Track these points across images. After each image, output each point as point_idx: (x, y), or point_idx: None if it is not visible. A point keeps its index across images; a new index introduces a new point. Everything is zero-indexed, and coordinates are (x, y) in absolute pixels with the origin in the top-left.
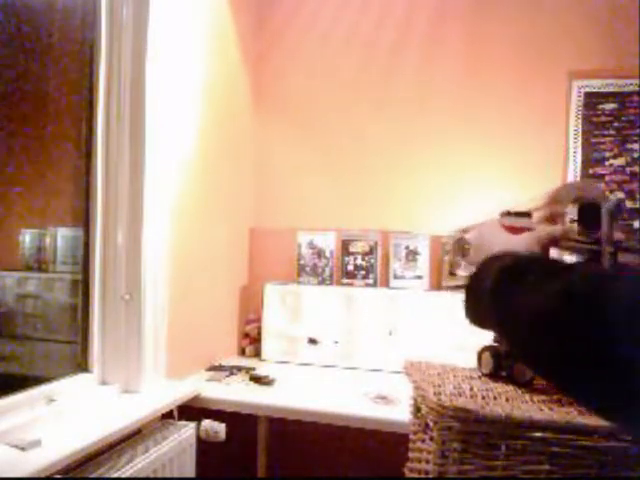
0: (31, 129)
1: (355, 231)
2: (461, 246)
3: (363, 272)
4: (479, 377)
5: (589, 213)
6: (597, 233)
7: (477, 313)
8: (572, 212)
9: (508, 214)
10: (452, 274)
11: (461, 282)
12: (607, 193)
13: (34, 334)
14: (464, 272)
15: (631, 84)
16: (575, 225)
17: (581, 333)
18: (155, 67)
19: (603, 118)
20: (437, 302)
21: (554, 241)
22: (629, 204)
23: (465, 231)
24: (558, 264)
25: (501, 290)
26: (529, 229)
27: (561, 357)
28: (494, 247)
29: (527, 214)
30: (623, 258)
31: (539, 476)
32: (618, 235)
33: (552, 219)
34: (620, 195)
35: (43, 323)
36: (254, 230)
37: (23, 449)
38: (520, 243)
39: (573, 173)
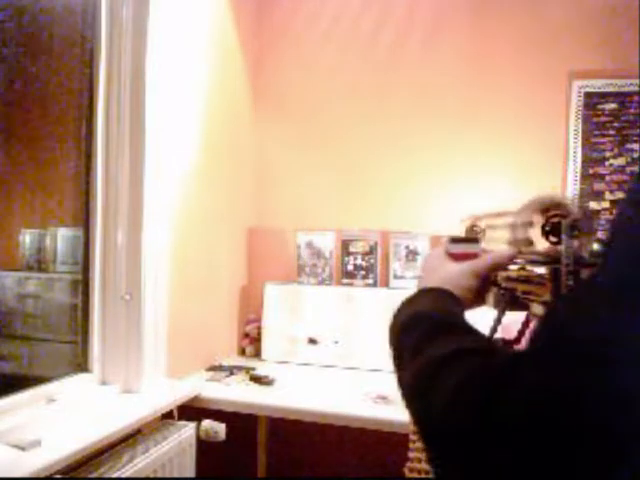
0: (31, 129)
1: (355, 231)
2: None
3: (363, 272)
4: None
5: (553, 228)
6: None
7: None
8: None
9: (453, 241)
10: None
11: None
12: (576, 205)
13: (34, 334)
14: None
15: (631, 84)
16: (533, 243)
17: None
18: (155, 67)
19: (603, 118)
20: None
21: (496, 268)
22: None
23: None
24: (441, 327)
25: (395, 347)
26: (475, 255)
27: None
28: (433, 278)
29: (474, 240)
30: (587, 274)
31: None
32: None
33: (517, 232)
34: (620, 195)
35: (43, 323)
36: (254, 230)
37: (23, 449)
38: (458, 274)
39: (573, 173)
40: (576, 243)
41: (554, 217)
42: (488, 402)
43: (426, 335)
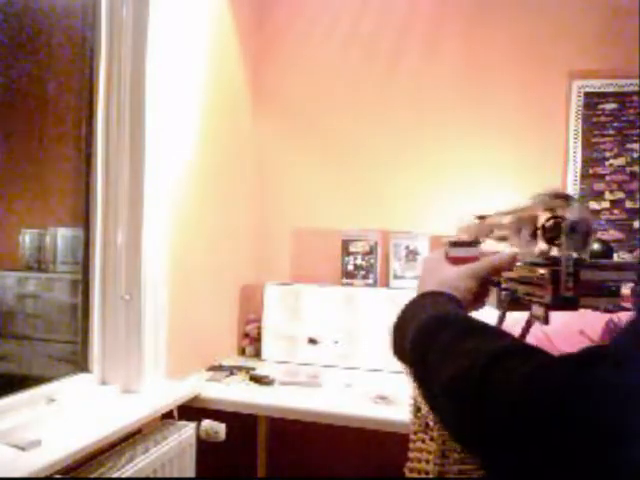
0: (31, 129)
1: (355, 231)
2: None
3: (363, 272)
4: None
5: (551, 228)
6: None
7: (401, 357)
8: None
9: (453, 244)
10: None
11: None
12: (575, 206)
13: (34, 334)
14: None
15: (631, 84)
16: (530, 246)
17: (462, 421)
18: (155, 67)
19: (603, 118)
20: None
21: (496, 270)
22: (629, 204)
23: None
24: (473, 326)
25: (417, 354)
26: (474, 259)
27: (457, 427)
28: (428, 283)
29: (474, 243)
30: (587, 276)
31: None
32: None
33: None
34: (620, 195)
35: (43, 323)
36: (254, 230)
37: (23, 449)
38: (451, 278)
39: (573, 173)
40: (575, 244)
41: (554, 217)
42: (569, 399)
43: (456, 337)
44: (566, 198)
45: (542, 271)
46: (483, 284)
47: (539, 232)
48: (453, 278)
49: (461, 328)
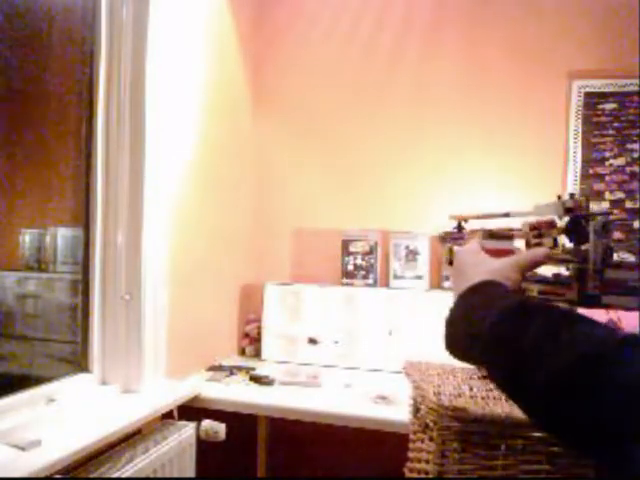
0: (31, 129)
1: (355, 231)
2: (448, 251)
3: (363, 272)
4: (479, 378)
5: (578, 228)
6: (584, 249)
7: (464, 348)
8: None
9: (489, 236)
10: (452, 262)
11: None
12: (594, 207)
13: (34, 334)
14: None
15: (631, 84)
16: (560, 244)
17: (580, 409)
18: (155, 67)
19: (603, 118)
20: (437, 302)
21: (535, 265)
22: (629, 204)
23: (446, 236)
24: (562, 316)
25: (505, 333)
26: (510, 251)
27: (567, 421)
28: (475, 273)
29: (509, 236)
30: (611, 275)
31: (539, 476)
32: (616, 258)
33: (536, 231)
34: (620, 195)
35: (43, 323)
36: (254, 230)
37: (23, 449)
38: (500, 269)
39: (573, 173)
40: (602, 244)
41: (579, 217)
42: None
43: (558, 324)
44: (582, 205)
45: (562, 270)
46: (523, 277)
47: (555, 230)
48: (502, 269)
49: (558, 315)
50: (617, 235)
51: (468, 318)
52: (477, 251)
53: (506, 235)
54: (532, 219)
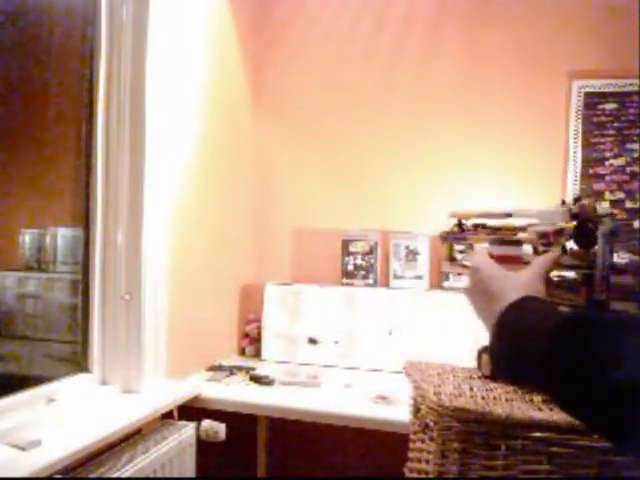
0: (31, 129)
1: (355, 231)
2: (448, 249)
3: (363, 272)
4: (479, 377)
5: (586, 233)
6: (591, 255)
7: (520, 372)
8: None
9: (498, 242)
10: (452, 259)
11: (461, 269)
12: (600, 210)
13: (34, 334)
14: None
15: (631, 84)
16: (567, 249)
17: None
18: (155, 67)
19: (603, 118)
20: (437, 302)
21: (550, 271)
22: (629, 204)
23: (446, 235)
24: (621, 323)
25: (565, 352)
26: (519, 257)
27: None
28: (504, 289)
29: (518, 242)
30: (617, 280)
31: (539, 476)
32: (617, 260)
33: (545, 239)
34: (620, 195)
35: (43, 323)
36: (254, 230)
37: (23, 449)
38: (530, 282)
39: (573, 173)
40: (611, 248)
41: (586, 222)
42: None
43: (621, 335)
44: (591, 211)
45: (573, 274)
46: None
47: (563, 237)
48: (532, 281)
49: (617, 322)
50: (617, 260)
51: (519, 337)
52: (492, 264)
53: (514, 241)
54: (540, 227)
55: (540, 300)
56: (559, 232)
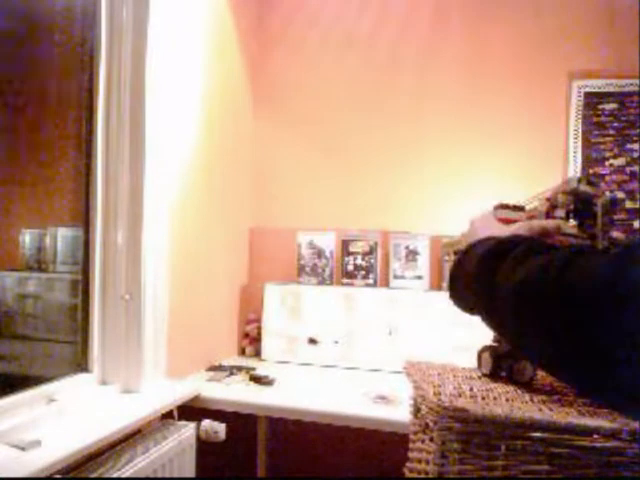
0: (31, 129)
1: (355, 231)
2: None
3: (363, 272)
4: (479, 377)
5: (584, 206)
6: (592, 228)
7: (462, 297)
8: (566, 205)
9: (502, 207)
10: (455, 254)
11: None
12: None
13: (34, 334)
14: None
15: (631, 84)
16: (568, 220)
17: (553, 309)
18: (155, 67)
19: (603, 118)
20: (437, 302)
21: (546, 234)
22: (629, 204)
23: (453, 245)
24: (544, 243)
25: (484, 271)
26: (520, 221)
27: (538, 334)
28: (489, 232)
29: (521, 208)
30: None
31: (539, 476)
32: (617, 234)
33: (548, 213)
34: (621, 195)
35: (43, 323)
36: (254, 230)
37: (23, 449)
38: (515, 228)
39: (573, 173)
40: (610, 220)
41: (584, 196)
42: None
43: (527, 250)
44: (592, 183)
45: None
46: None
47: (562, 211)
48: (513, 230)
49: (531, 245)
50: (617, 234)
51: (462, 267)
52: (488, 217)
53: (516, 206)
54: (546, 193)
55: (500, 238)
56: (565, 193)
